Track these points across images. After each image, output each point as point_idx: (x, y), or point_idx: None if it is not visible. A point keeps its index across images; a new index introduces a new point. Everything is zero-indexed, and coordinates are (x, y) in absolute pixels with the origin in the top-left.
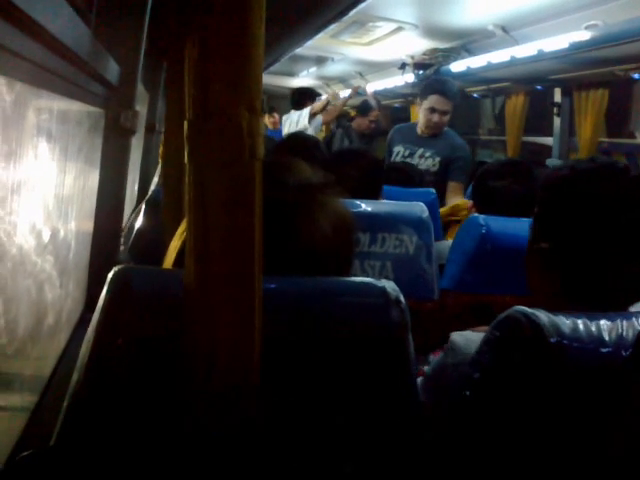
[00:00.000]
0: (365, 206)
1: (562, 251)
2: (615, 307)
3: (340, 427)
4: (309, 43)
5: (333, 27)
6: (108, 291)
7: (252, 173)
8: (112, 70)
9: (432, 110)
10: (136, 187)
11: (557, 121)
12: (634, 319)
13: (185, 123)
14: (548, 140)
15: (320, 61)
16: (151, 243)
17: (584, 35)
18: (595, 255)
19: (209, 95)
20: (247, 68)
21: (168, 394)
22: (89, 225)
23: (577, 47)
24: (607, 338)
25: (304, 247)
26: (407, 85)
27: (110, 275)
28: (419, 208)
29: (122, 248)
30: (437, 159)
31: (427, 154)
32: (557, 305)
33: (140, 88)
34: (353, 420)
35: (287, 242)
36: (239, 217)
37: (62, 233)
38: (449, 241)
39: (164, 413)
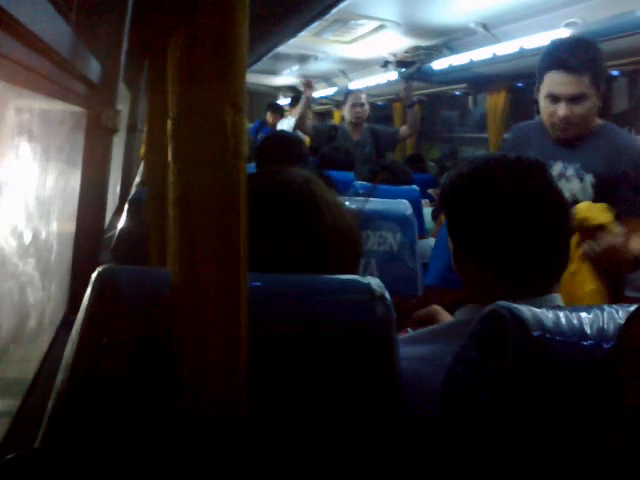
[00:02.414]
0: (349, 204)
1: (471, 248)
2: (540, 290)
3: (327, 423)
4: (292, 41)
5: (315, 25)
6: (93, 291)
7: (236, 171)
8: (94, 69)
9: (552, 98)
10: (118, 187)
11: (538, 118)
12: (614, 312)
13: (169, 122)
14: None
15: (303, 59)
16: (135, 243)
17: (564, 33)
18: (501, 243)
19: (193, 93)
20: (231, 66)
21: (154, 394)
22: (71, 225)
23: None
24: (589, 331)
25: (310, 241)
26: (390, 83)
27: (95, 275)
28: (403, 206)
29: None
30: (588, 179)
31: (569, 171)
32: (485, 298)
33: (122, 87)
34: (339, 416)
35: (293, 237)
36: (224, 216)
37: (44, 234)
38: (431, 239)
39: (151, 413)
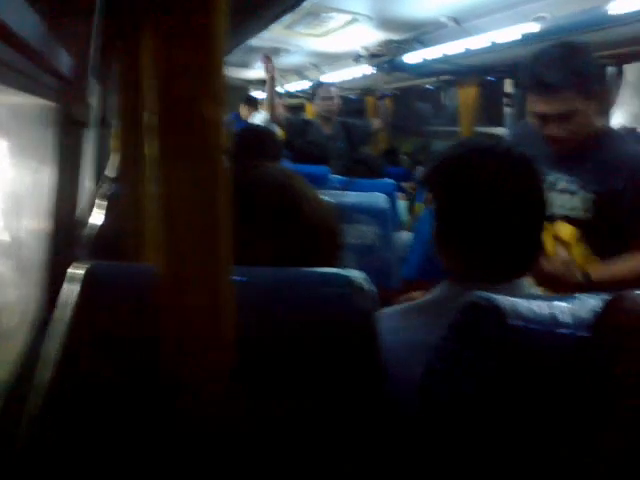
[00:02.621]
0: (327, 197)
1: (448, 231)
2: (513, 276)
3: (311, 418)
4: (264, 34)
5: (287, 18)
6: (82, 288)
7: (217, 165)
8: (65, 62)
9: (538, 117)
10: (90, 182)
11: (508, 111)
12: (589, 300)
13: (150, 116)
14: (501, 130)
15: (275, 52)
16: (114, 239)
17: (533, 27)
18: (481, 230)
19: (173, 88)
20: (210, 60)
21: (145, 390)
22: (45, 222)
23: (528, 39)
24: (564, 319)
25: (293, 235)
26: (363, 77)
27: (83, 272)
28: (380, 199)
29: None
30: (584, 195)
31: (563, 184)
32: (460, 278)
33: (92, 81)
34: (323, 411)
35: (276, 231)
36: (206, 209)
37: (17, 232)
38: (407, 233)
39: (141, 410)
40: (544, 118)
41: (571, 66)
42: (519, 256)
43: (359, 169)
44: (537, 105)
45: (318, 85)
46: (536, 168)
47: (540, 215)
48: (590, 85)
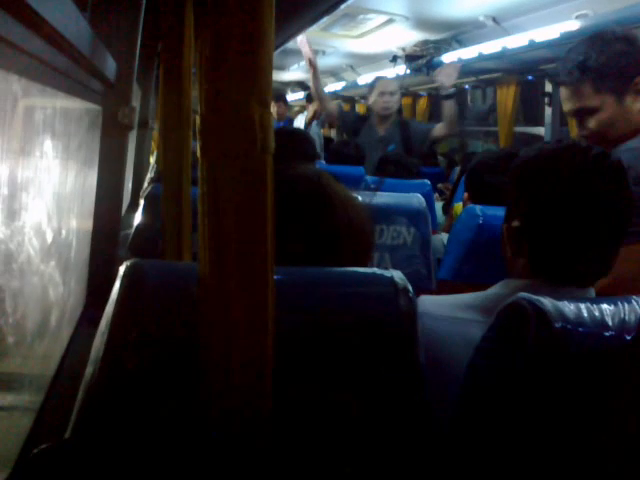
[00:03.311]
0: (362, 198)
1: (530, 228)
2: (579, 284)
3: (349, 417)
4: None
5: (324, 20)
6: (122, 285)
7: (263, 166)
8: (110, 66)
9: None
10: (130, 183)
11: (548, 111)
12: (635, 303)
13: (197, 118)
14: (540, 130)
15: None
16: (151, 239)
17: (574, 25)
18: (559, 232)
19: (221, 90)
20: (258, 63)
21: (183, 387)
22: (88, 222)
23: (568, 37)
24: (610, 322)
25: (325, 234)
26: (399, 77)
27: (123, 269)
28: (416, 200)
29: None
30: None
31: None
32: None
33: (134, 84)
34: (361, 410)
35: (309, 231)
36: (251, 209)
37: (63, 231)
38: (443, 234)
39: (179, 406)
40: (572, 116)
41: (584, 59)
42: (595, 261)
43: (391, 169)
44: (561, 102)
45: (375, 79)
46: (625, 172)
47: (624, 221)
48: (612, 79)
